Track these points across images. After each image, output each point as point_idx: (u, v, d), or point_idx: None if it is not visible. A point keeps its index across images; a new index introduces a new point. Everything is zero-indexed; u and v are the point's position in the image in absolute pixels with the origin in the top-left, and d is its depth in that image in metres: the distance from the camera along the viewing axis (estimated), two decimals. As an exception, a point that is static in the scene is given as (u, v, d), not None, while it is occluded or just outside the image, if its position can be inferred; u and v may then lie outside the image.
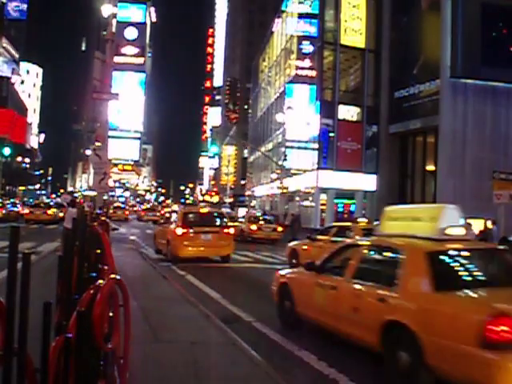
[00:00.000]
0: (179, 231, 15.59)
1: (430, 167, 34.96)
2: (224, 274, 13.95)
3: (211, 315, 7.59)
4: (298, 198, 44.31)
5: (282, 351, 6.35)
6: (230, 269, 14.45)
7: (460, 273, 5.71)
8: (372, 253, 6.66)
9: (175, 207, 32.84)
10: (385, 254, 6.43)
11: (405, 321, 5.05)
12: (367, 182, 38.98)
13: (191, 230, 15.60)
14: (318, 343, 6.77)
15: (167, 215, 24.48)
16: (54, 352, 2.43)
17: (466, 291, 4.98)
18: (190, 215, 17.08)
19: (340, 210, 40.15)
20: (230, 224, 18.20)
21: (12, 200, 46.48)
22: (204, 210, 19.10)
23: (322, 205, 39.52)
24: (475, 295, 4.95)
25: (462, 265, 5.82)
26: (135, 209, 76.09)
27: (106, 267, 4.06)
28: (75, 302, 2.89)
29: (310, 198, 41.54)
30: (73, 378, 2.48)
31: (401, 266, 5.57)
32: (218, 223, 16.74)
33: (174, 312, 7.79)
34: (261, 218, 28.25)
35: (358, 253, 6.58)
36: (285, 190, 40.97)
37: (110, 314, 3.21)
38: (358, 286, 6.04)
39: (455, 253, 5.93)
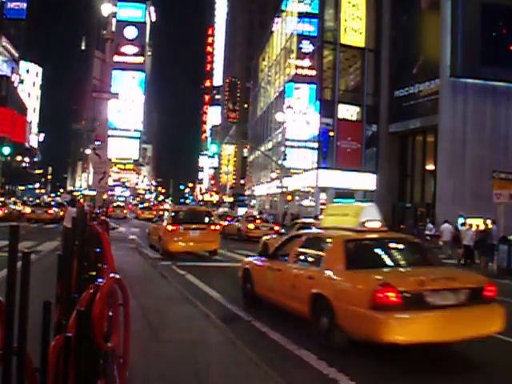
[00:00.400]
0: (169, 228, 16.86)
1: (430, 166, 34.98)
2: (224, 274, 13.95)
3: (211, 314, 7.59)
4: (297, 198, 44.30)
5: (281, 350, 6.35)
6: (230, 268, 14.45)
7: (367, 256, 7.21)
8: (309, 242, 8.06)
9: (167, 206, 34.37)
10: (317, 242, 7.87)
11: (324, 292, 6.53)
12: (367, 181, 38.99)
13: (180, 227, 16.84)
14: (317, 342, 6.77)
15: (160, 213, 25.81)
16: (54, 351, 2.43)
17: (368, 269, 6.44)
18: (180, 213, 18.55)
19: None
20: (216, 222, 19.54)
21: (13, 199, 46.54)
22: (192, 209, 21.03)
23: (322, 204, 39.51)
24: (372, 272, 6.32)
25: (370, 250, 7.37)
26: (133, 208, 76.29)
27: (105, 266, 4.06)
28: (75, 302, 2.88)
29: (310, 198, 41.54)
30: (72, 377, 2.48)
31: (326, 251, 7.23)
32: (205, 221, 17.89)
33: (173, 311, 7.79)
34: (258, 218, 29.01)
35: (299, 242, 8.12)
36: (284, 190, 40.98)
37: (110, 314, 3.21)
38: (295, 268, 7.64)
39: (366, 241, 7.47)
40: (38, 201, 45.29)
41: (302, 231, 10.14)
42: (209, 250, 17.26)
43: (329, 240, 7.41)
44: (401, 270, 6.91)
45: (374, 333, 5.76)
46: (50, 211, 34.69)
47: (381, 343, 5.79)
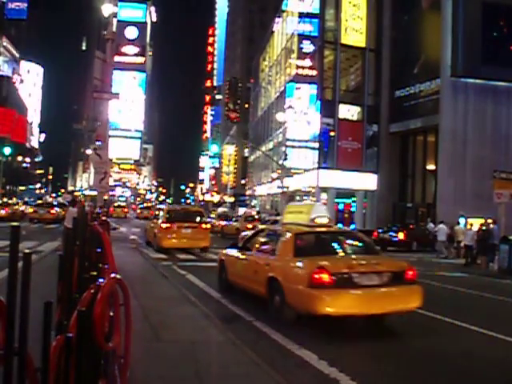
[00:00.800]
0: (164, 226, 18.48)
1: (431, 166, 34.96)
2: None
3: (211, 314, 7.59)
4: (298, 198, 44.28)
5: (282, 350, 6.35)
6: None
7: (312, 246, 8.71)
8: (268, 235, 9.63)
9: (162, 206, 36.45)
10: (274, 235, 9.23)
11: (276, 276, 7.90)
12: (368, 181, 38.96)
13: (174, 225, 18.40)
14: (318, 342, 6.77)
15: (156, 212, 27.05)
16: (55, 351, 2.43)
17: (311, 257, 7.80)
18: (173, 212, 19.98)
19: (340, 209, 40.16)
20: (207, 220, 21.06)
21: (14, 200, 46.70)
22: (185, 209, 23.10)
23: (323, 204, 39.51)
24: (313, 259, 7.65)
25: (315, 241, 8.95)
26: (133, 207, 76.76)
27: (106, 266, 4.06)
28: (76, 302, 2.89)
29: (311, 198, 41.52)
30: (73, 377, 2.48)
31: (279, 243, 8.57)
32: (197, 220, 19.31)
33: (174, 311, 7.79)
34: (256, 218, 29.81)
35: (262, 236, 9.84)
36: (285, 190, 40.97)
37: (111, 314, 3.21)
38: (257, 257, 9.08)
39: (312, 234, 8.97)
40: (40, 201, 45.85)
41: (263, 226, 12.19)
42: (200, 247, 18.43)
43: (282, 233, 8.86)
44: (337, 257, 8.42)
45: (311, 307, 7.17)
46: (53, 211, 35.11)
47: (316, 315, 7.16)
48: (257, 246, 9.52)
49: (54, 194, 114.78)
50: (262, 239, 9.65)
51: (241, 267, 9.68)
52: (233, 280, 10.01)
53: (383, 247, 26.60)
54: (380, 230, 27.97)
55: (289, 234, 8.57)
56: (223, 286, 10.43)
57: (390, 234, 27.19)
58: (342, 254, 8.57)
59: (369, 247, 8.86)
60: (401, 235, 26.79)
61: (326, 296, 6.99)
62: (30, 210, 37.28)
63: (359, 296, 7.19)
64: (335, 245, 8.83)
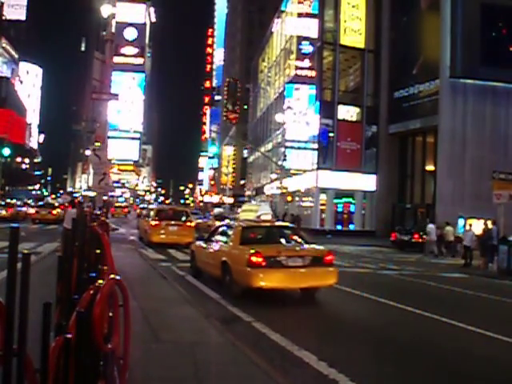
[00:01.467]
0: (153, 223, 20.88)
1: (430, 167, 35.00)
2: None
3: (211, 315, 7.59)
4: (297, 198, 44.30)
5: (281, 351, 6.34)
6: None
7: (255, 236, 11.12)
8: (226, 229, 11.68)
9: (152, 206, 39.36)
10: (229, 229, 11.42)
11: (227, 259, 10.07)
12: (367, 182, 38.99)
13: (162, 223, 20.73)
14: (318, 343, 6.78)
15: (147, 212, 29.36)
16: (54, 352, 2.43)
17: (252, 245, 9.95)
18: (161, 212, 22.71)
19: (340, 210, 40.17)
20: (191, 219, 23.13)
21: (13, 201, 47.28)
22: (172, 208, 26.00)
23: (322, 205, 39.53)
24: (253, 246, 9.78)
25: (257, 232, 11.43)
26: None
27: (105, 267, 4.06)
28: (75, 303, 2.89)
29: (310, 198, 41.54)
30: (72, 378, 2.48)
31: (231, 234, 10.87)
32: (182, 218, 21.68)
33: (173, 312, 7.79)
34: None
35: (221, 229, 12.01)
36: (284, 190, 40.98)
37: (110, 315, 3.21)
38: (215, 246, 11.31)
39: (255, 227, 12.01)
40: (41, 202, 47.65)
41: (223, 222, 14.77)
42: (184, 242, 19.77)
43: (234, 227, 11.15)
44: (272, 244, 10.25)
45: (249, 282, 9.29)
46: (54, 212, 35.83)
47: (253, 288, 9.29)
48: (216, 237, 11.73)
49: (53, 195, 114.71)
50: (221, 232, 11.80)
51: (205, 255, 11.90)
52: (200, 266, 12.27)
53: (402, 248, 27.32)
54: (398, 233, 29.05)
55: (238, 228, 10.98)
56: (194, 272, 12.68)
57: (406, 235, 28.38)
58: (276, 242, 10.60)
59: (300, 238, 11.04)
60: (415, 237, 27.83)
61: (260, 273, 9.18)
62: (32, 210, 38.53)
63: (285, 274, 9.36)
64: (272, 235, 11.21)
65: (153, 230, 20.55)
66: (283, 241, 10.79)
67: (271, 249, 9.71)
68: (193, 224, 21.83)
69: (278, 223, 14.55)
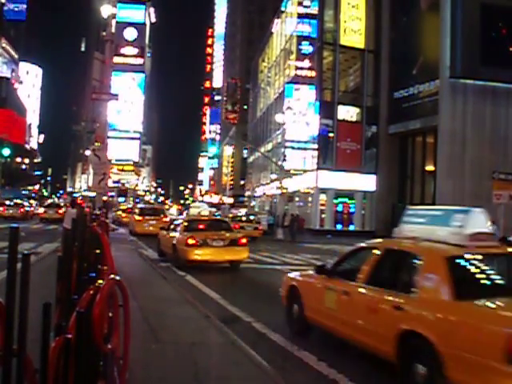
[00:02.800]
0: (137, 218, 28.73)
1: (430, 167, 34.97)
2: (222, 274, 13.99)
3: (211, 315, 7.59)
4: (297, 199, 44.30)
5: (281, 352, 6.34)
6: (229, 269, 14.52)
7: (194, 227, 15.35)
8: (178, 222, 16.37)
9: (139, 205, 43.44)
10: (180, 222, 15.90)
11: (175, 242, 14.84)
12: (367, 182, 38.98)
13: (144, 218, 28.13)
14: (317, 344, 6.78)
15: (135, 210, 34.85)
16: (54, 353, 2.43)
17: (191, 232, 14.60)
18: (143, 209, 32.03)
19: (339, 210, 40.14)
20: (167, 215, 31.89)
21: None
22: (152, 207, 35.09)
23: (322, 205, 39.52)
24: (192, 233, 14.41)
25: (196, 224, 15.63)
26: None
27: (105, 268, 4.06)
28: (75, 303, 2.88)
29: (310, 199, 41.53)
30: (72, 378, 2.48)
31: (180, 226, 15.54)
32: (160, 215, 29.57)
33: (173, 312, 7.79)
34: (243, 219, 31.69)
35: (176, 222, 16.68)
36: (284, 191, 40.98)
37: (110, 315, 3.21)
38: (170, 234, 15.76)
39: (195, 221, 16.43)
40: (50, 202, 56.00)
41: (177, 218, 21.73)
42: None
43: (182, 221, 16.24)
44: (207, 232, 14.66)
45: (186, 256, 13.82)
46: (60, 211, 38.35)
47: (188, 260, 13.70)
48: (171, 227, 16.43)
49: (53, 195, 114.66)
50: (175, 224, 16.37)
51: (164, 241, 16.14)
52: (162, 249, 16.53)
53: None
54: None
55: (184, 221, 15.96)
56: (159, 252, 16.96)
57: None
58: (212, 231, 14.90)
59: (227, 227, 15.94)
60: None
61: (194, 250, 13.82)
62: (41, 210, 43.43)
63: (210, 250, 14.02)
64: (206, 225, 15.67)
65: (137, 224, 27.80)
66: (212, 229, 15.18)
67: (202, 234, 14.32)
68: (167, 219, 27.24)
69: (213, 217, 20.48)
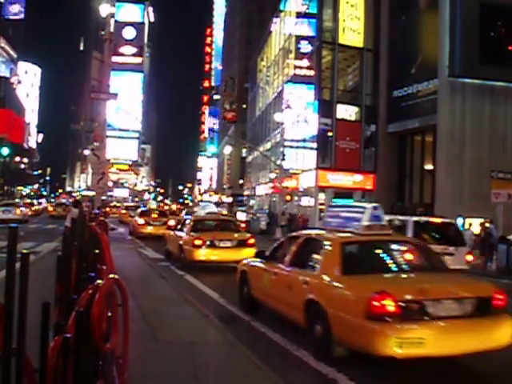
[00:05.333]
0: (140, 221, 27.23)
1: (429, 166, 34.97)
2: (221, 274, 13.97)
3: (210, 315, 7.59)
4: (296, 198, 44.29)
5: (281, 351, 6.35)
6: (227, 268, 14.48)
7: (200, 227, 15.37)
8: (186, 221, 16.16)
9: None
10: (187, 221, 16.02)
11: (182, 243, 14.67)
12: (365, 181, 38.99)
13: (146, 220, 26.81)
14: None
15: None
16: (53, 352, 2.43)
17: (197, 232, 14.60)
18: (146, 211, 30.01)
19: (338, 209, 40.09)
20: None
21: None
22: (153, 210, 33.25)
23: (321, 204, 39.52)
24: (198, 233, 14.40)
25: (204, 224, 15.92)
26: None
27: (104, 267, 4.06)
28: (74, 302, 2.88)
29: (309, 198, 41.53)
30: (72, 378, 2.47)
31: (187, 225, 15.27)
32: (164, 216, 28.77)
33: (172, 312, 7.79)
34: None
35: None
36: (283, 189, 40.98)
37: (109, 314, 3.21)
38: (177, 233, 15.64)
39: (203, 220, 16.36)
40: (58, 201, 66.55)
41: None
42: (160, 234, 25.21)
43: (188, 222, 15.81)
44: (214, 232, 14.72)
45: (192, 257, 13.67)
46: (67, 209, 40.72)
47: (195, 262, 13.65)
48: (178, 227, 16.38)
49: (52, 195, 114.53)
50: (182, 223, 16.35)
51: (171, 240, 16.37)
52: (169, 248, 16.48)
53: None
54: None
55: (190, 221, 15.73)
56: (165, 253, 16.72)
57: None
58: (215, 230, 15.18)
59: (234, 227, 16.14)
60: None
61: (200, 250, 13.55)
62: (50, 208, 51.27)
63: (218, 251, 13.86)
64: (214, 226, 15.84)
65: (138, 226, 27.16)
66: (221, 229, 15.14)
67: (209, 235, 14.00)
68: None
69: (221, 217, 18.83)
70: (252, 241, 13.95)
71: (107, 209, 43.89)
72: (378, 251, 7.10)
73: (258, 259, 8.54)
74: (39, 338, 2.34)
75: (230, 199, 77.22)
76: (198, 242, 13.49)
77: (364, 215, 7.03)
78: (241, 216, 35.05)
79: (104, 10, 18.58)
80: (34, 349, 2.31)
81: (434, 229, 13.23)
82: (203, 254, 13.51)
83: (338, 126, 38.87)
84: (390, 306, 5.17)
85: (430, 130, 33.91)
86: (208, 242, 13.52)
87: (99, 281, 3.13)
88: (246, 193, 74.74)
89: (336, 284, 6.01)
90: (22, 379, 2.13)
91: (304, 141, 44.39)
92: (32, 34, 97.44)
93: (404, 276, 6.39)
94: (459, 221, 26.20)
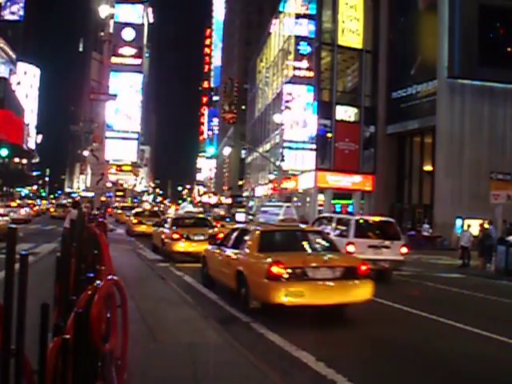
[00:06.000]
0: (134, 221, 28.79)
1: (428, 167, 35.02)
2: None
3: (209, 316, 7.58)
4: (295, 199, 44.30)
5: (279, 352, 6.34)
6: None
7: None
8: (168, 219, 18.72)
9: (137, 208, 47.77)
10: (167, 219, 18.91)
11: (163, 237, 17.47)
12: (365, 182, 39.00)
13: (140, 219, 28.47)
14: (316, 344, 6.77)
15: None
16: (52, 353, 2.43)
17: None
18: (140, 212, 31.84)
19: (338, 210, 40.16)
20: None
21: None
22: (146, 210, 36.85)
23: (320, 205, 39.53)
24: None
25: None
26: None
27: (103, 268, 4.06)
28: (73, 303, 2.88)
29: (308, 199, 41.54)
30: (70, 378, 2.47)
31: (168, 223, 17.92)
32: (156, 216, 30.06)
33: (171, 313, 7.78)
34: (226, 216, 33.88)
35: (168, 219, 19.37)
36: (283, 191, 40.99)
37: (108, 315, 3.21)
38: (162, 229, 17.97)
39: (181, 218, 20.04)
40: (58, 202, 69.04)
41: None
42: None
43: (169, 219, 18.49)
44: (190, 228, 16.92)
45: (171, 249, 15.97)
46: (67, 210, 42.54)
47: (173, 253, 15.87)
48: (162, 224, 18.64)
49: (51, 196, 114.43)
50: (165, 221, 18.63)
51: (156, 236, 18.47)
52: (154, 243, 18.89)
53: None
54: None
55: (171, 218, 18.18)
56: (153, 250, 18.67)
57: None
58: (191, 226, 17.28)
59: (208, 224, 18.15)
60: None
61: (177, 243, 15.76)
62: (52, 209, 52.91)
63: (192, 244, 15.79)
64: (190, 222, 18.10)
65: (132, 225, 28.78)
66: (196, 225, 17.82)
67: (185, 230, 16.61)
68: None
69: (196, 216, 22.65)
70: (221, 235, 14.77)
71: (109, 209, 44.02)
72: (285, 237, 9.93)
73: (215, 246, 10.93)
74: (38, 338, 2.34)
75: (230, 200, 77.23)
76: (175, 236, 15.85)
77: (281, 211, 10.72)
78: (240, 217, 35.10)
79: (103, 10, 18.60)
80: (32, 350, 2.31)
81: (374, 226, 14.67)
82: (182, 246, 15.77)
83: (337, 127, 38.90)
84: (281, 270, 7.63)
85: (429, 131, 33.97)
86: (184, 236, 15.88)
87: (98, 282, 3.13)
88: (245, 194, 74.77)
89: (253, 259, 8.53)
90: (20, 380, 2.13)
91: (303, 142, 44.41)
92: (31, 34, 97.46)
93: (298, 253, 8.86)
94: (458, 222, 26.26)
